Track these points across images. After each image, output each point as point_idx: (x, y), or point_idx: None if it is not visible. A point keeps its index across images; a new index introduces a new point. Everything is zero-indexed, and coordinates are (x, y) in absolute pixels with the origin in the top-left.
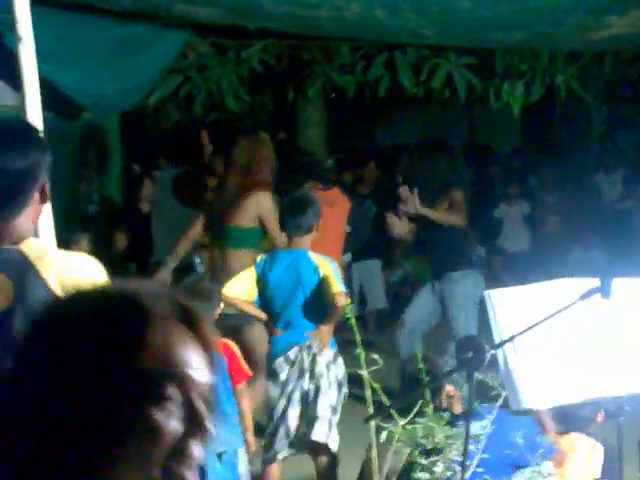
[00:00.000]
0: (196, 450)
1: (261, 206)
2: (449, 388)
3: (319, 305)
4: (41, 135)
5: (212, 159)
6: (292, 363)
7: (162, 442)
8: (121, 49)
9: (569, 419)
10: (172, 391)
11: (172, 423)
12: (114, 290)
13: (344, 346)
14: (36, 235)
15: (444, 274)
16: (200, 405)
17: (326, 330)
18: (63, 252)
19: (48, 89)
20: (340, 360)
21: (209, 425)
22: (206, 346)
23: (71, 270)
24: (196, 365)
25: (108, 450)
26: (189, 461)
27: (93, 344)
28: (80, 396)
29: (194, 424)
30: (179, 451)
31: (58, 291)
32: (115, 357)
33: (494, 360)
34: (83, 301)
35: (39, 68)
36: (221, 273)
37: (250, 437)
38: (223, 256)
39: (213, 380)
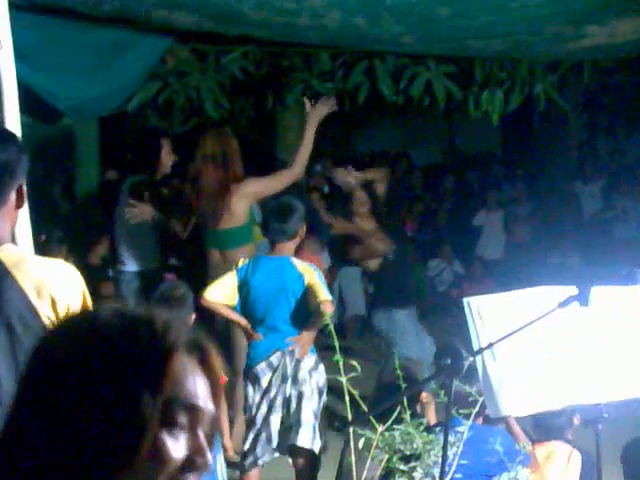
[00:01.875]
0: None
1: (248, 192)
2: (424, 394)
3: (302, 312)
4: (18, 136)
5: (180, 166)
6: (274, 368)
7: (167, 469)
8: (101, 54)
9: (546, 427)
10: (182, 419)
11: (178, 451)
12: (136, 317)
13: (322, 352)
14: (13, 241)
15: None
16: (203, 436)
17: (308, 336)
18: (41, 259)
19: (27, 93)
20: (321, 367)
21: (209, 458)
22: (213, 377)
23: (48, 278)
24: (203, 396)
25: (116, 473)
26: None
27: (117, 369)
28: (99, 418)
29: (195, 455)
30: None
31: (34, 299)
32: (138, 383)
33: (473, 367)
34: (108, 325)
35: (17, 71)
36: (222, 273)
37: (227, 442)
38: (225, 257)
39: (215, 412)
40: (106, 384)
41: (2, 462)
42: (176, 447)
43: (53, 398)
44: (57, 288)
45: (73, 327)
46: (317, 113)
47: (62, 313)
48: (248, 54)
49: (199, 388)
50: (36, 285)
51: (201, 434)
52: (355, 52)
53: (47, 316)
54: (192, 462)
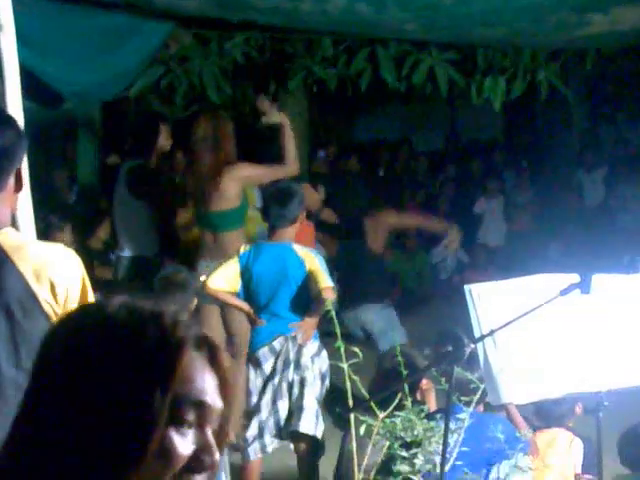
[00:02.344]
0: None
1: (239, 175)
2: (424, 381)
3: (304, 298)
4: (16, 120)
5: (173, 152)
6: (277, 354)
7: (174, 466)
8: (103, 39)
9: (548, 415)
10: (191, 416)
11: (186, 448)
12: (145, 311)
13: (325, 338)
14: (14, 225)
15: None
16: (211, 435)
17: (311, 322)
18: (41, 244)
19: (29, 77)
20: (324, 353)
21: (216, 457)
22: (222, 374)
23: (48, 262)
24: (211, 393)
25: (125, 471)
26: None
27: (128, 365)
28: (108, 415)
29: (203, 453)
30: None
31: (33, 283)
32: (149, 380)
33: (474, 354)
34: (117, 320)
35: (19, 55)
36: (217, 254)
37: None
38: (217, 239)
39: (225, 410)
40: (115, 382)
41: (13, 456)
42: (184, 445)
43: (62, 395)
44: (56, 272)
45: (81, 322)
46: (276, 116)
47: (61, 297)
48: (250, 40)
49: (207, 385)
50: (35, 269)
51: (209, 432)
52: (358, 39)
53: (46, 301)
54: (200, 461)
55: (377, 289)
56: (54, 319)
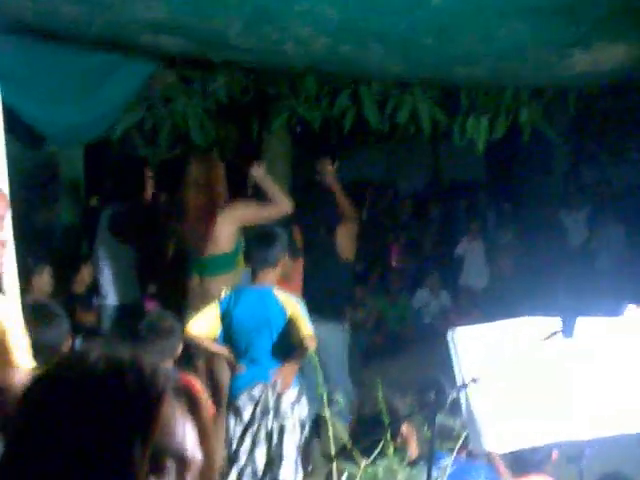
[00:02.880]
0: None
1: (234, 215)
2: (405, 427)
3: (285, 344)
4: None
5: (157, 194)
6: (256, 401)
7: None
8: (85, 79)
9: (525, 462)
10: (171, 465)
11: None
12: (124, 362)
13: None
14: None
15: None
16: None
17: (290, 369)
18: None
19: (12, 117)
20: (304, 399)
21: None
22: (201, 425)
23: None
24: (191, 443)
25: None
26: None
27: (109, 416)
28: (89, 465)
29: None
30: None
31: None
32: (130, 431)
33: (457, 400)
34: (96, 372)
35: (1, 93)
36: (199, 299)
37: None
38: (203, 283)
39: (204, 459)
40: (96, 434)
41: None
42: None
43: (43, 449)
44: None
45: (59, 375)
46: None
47: None
48: (234, 80)
49: (188, 435)
50: None
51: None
52: (341, 79)
53: None
54: None
55: (337, 303)
56: None
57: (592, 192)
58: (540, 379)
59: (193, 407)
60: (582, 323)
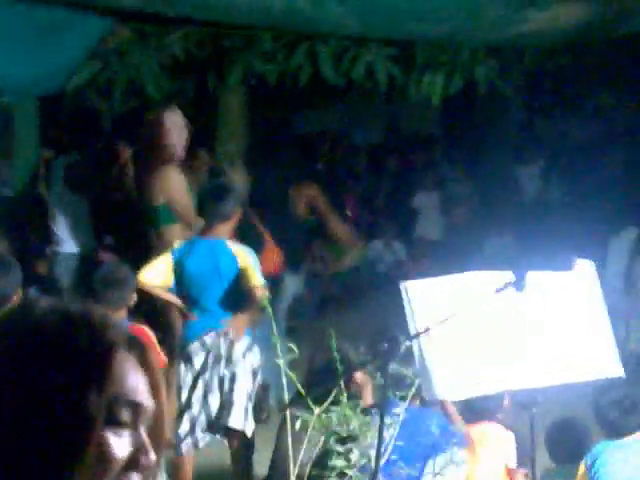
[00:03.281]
0: None
1: (168, 186)
2: (358, 375)
3: (236, 294)
4: None
5: (115, 145)
6: (208, 349)
7: (113, 468)
8: (40, 34)
9: (477, 409)
10: (126, 417)
11: (123, 450)
12: (73, 314)
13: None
14: None
15: None
16: (145, 435)
17: (242, 318)
18: None
19: None
20: (256, 348)
21: (152, 457)
22: (152, 375)
23: None
24: (143, 392)
25: (63, 475)
26: None
27: (60, 369)
28: (41, 419)
29: (139, 453)
30: None
31: None
32: (83, 382)
33: (410, 349)
34: (46, 325)
35: None
36: (154, 250)
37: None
38: (157, 234)
39: (155, 409)
40: (48, 387)
41: None
42: (121, 446)
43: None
44: None
45: (7, 327)
46: None
47: None
48: (190, 35)
49: (140, 385)
50: None
51: (143, 432)
52: (297, 34)
53: None
54: (136, 461)
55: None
56: None
57: (547, 146)
58: (492, 330)
59: (143, 357)
60: (533, 276)
